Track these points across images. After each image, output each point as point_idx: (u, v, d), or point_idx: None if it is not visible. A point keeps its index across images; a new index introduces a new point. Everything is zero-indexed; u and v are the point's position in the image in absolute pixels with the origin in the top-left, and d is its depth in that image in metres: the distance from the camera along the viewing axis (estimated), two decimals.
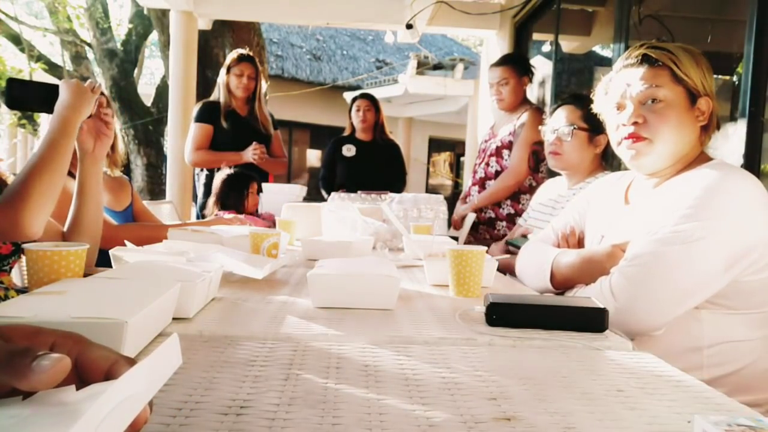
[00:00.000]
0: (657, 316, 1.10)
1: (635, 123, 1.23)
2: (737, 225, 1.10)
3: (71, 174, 1.62)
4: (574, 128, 1.91)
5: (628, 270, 1.13)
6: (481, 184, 2.93)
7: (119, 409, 0.34)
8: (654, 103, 1.22)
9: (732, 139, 2.30)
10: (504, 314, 0.93)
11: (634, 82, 1.24)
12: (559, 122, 1.96)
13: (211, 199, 2.81)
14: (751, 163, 2.24)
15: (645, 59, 1.24)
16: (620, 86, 1.27)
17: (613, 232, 1.32)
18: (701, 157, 1.26)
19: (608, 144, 1.86)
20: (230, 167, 2.89)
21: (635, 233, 1.19)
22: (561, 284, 1.34)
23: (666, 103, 1.21)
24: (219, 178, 2.82)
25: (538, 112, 2.81)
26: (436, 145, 13.48)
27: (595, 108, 1.38)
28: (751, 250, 1.10)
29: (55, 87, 1.35)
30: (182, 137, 4.51)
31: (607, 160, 2.00)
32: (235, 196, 2.76)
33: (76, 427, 0.31)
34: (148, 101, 7.68)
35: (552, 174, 2.19)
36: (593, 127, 1.89)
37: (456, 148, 13.06)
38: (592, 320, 0.91)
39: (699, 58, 1.24)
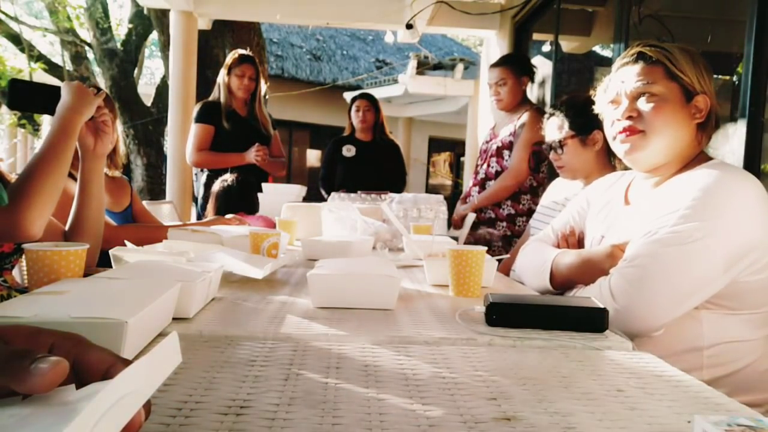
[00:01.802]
0: (656, 316, 1.10)
1: (629, 117, 1.25)
2: (736, 225, 1.09)
3: (72, 176, 1.62)
4: (561, 141, 1.94)
5: (627, 271, 1.13)
6: (482, 184, 2.93)
7: (117, 407, 0.34)
8: (648, 98, 1.23)
9: (732, 139, 2.30)
10: (504, 314, 0.92)
11: (629, 79, 1.26)
12: (550, 137, 1.99)
13: (210, 206, 2.80)
14: (751, 163, 2.24)
15: (640, 57, 1.26)
16: (616, 84, 1.29)
17: (613, 233, 1.32)
18: (701, 157, 1.26)
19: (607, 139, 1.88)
20: (233, 174, 2.86)
21: (635, 233, 1.19)
22: (561, 284, 1.34)
23: (660, 98, 1.22)
24: (218, 185, 2.80)
25: (539, 112, 2.81)
26: (436, 145, 13.48)
27: (597, 108, 1.38)
28: (750, 251, 1.09)
29: (57, 89, 1.36)
30: (182, 137, 4.51)
31: (614, 155, 2.00)
32: (235, 205, 2.75)
33: (72, 425, 0.31)
34: (148, 101, 7.68)
35: (556, 173, 2.20)
36: (581, 129, 1.90)
37: (456, 148, 13.06)
38: (592, 320, 0.91)
39: (696, 57, 1.24)
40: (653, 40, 1.28)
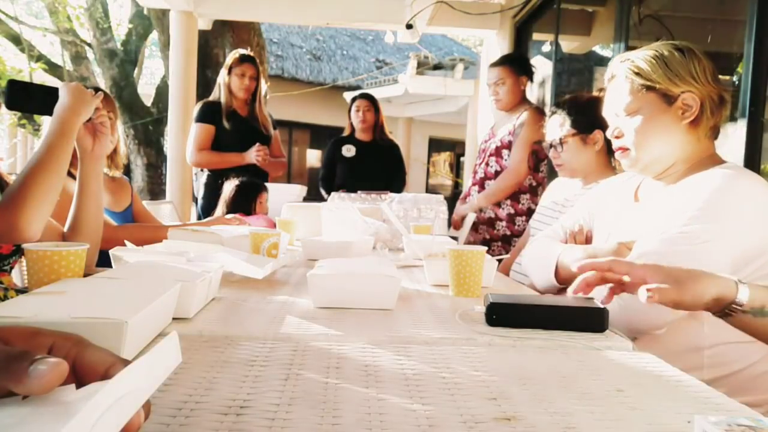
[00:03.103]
0: (659, 315, 1.10)
1: (616, 137, 1.31)
2: (745, 229, 1.10)
3: (71, 175, 1.62)
4: (561, 138, 1.94)
5: None
6: (481, 184, 2.92)
7: (116, 407, 0.34)
8: (625, 116, 1.28)
9: (732, 139, 2.30)
10: (504, 314, 0.92)
11: (607, 99, 1.33)
12: (551, 135, 1.99)
13: (221, 207, 2.87)
14: (751, 163, 2.24)
15: (614, 75, 1.31)
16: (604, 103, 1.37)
17: (619, 230, 1.33)
18: (712, 159, 1.25)
19: (607, 140, 1.88)
20: (238, 176, 2.94)
21: (642, 231, 1.20)
22: (565, 280, 1.34)
23: (636, 112, 1.26)
24: (229, 186, 2.89)
25: (538, 111, 2.81)
26: (436, 145, 13.48)
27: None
28: (758, 255, 1.10)
29: (55, 89, 1.35)
30: (182, 137, 4.51)
31: (614, 156, 2.00)
32: (245, 204, 2.85)
33: (71, 424, 0.31)
34: (148, 101, 7.68)
35: (556, 172, 2.20)
36: (582, 128, 1.90)
37: (456, 148, 13.06)
38: (592, 320, 0.91)
39: (670, 59, 1.22)
40: (655, 40, 1.29)
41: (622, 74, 1.27)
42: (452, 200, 3.23)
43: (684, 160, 1.25)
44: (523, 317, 0.92)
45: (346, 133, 3.70)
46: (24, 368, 0.36)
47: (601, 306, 0.93)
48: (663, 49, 1.24)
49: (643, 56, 1.25)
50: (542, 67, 4.38)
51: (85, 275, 0.96)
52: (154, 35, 7.68)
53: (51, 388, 0.37)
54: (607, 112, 1.34)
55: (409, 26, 5.06)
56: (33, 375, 0.36)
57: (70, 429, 0.31)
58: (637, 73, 1.24)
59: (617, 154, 1.33)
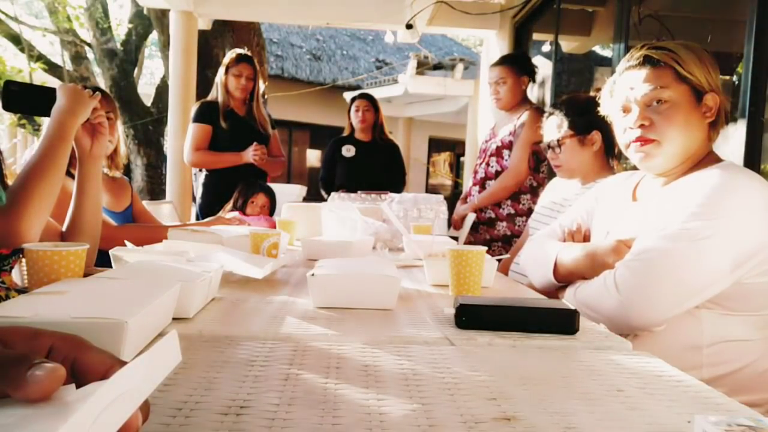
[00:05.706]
0: (660, 311, 1.11)
1: (642, 126, 1.23)
2: (745, 226, 1.10)
3: (71, 174, 1.62)
4: (559, 140, 1.93)
5: (634, 264, 1.13)
6: (482, 184, 2.92)
7: (114, 405, 0.34)
8: (659, 104, 1.21)
9: (732, 139, 2.30)
10: (474, 316, 0.90)
11: (637, 85, 1.23)
12: (549, 136, 1.99)
13: (230, 205, 2.94)
14: (751, 163, 2.24)
15: (647, 60, 1.23)
16: (624, 89, 1.27)
17: (618, 228, 1.33)
18: (711, 157, 1.25)
19: (605, 140, 1.88)
20: (236, 176, 2.99)
21: (641, 230, 1.20)
22: (564, 278, 1.34)
23: (671, 103, 1.20)
24: (241, 185, 3.01)
25: (539, 112, 2.80)
26: (436, 145, 13.48)
27: (602, 110, 1.38)
28: (757, 252, 1.10)
29: (52, 90, 1.35)
30: (182, 137, 4.50)
31: (612, 156, 2.00)
32: (238, 203, 2.93)
33: (69, 423, 0.30)
34: (148, 101, 7.68)
35: (555, 173, 2.20)
36: (579, 129, 1.90)
37: (456, 148, 13.06)
38: (564, 321, 0.90)
39: (702, 54, 1.22)
40: (654, 41, 1.28)
41: (660, 61, 1.20)
42: (452, 200, 3.23)
43: (690, 160, 1.25)
44: (494, 319, 0.90)
45: (345, 133, 3.70)
46: (22, 373, 0.36)
47: (572, 307, 0.91)
48: (692, 45, 1.22)
49: (683, 47, 1.21)
50: (542, 67, 4.37)
51: (85, 275, 0.96)
52: (154, 35, 7.68)
53: (49, 395, 0.37)
54: (627, 95, 1.25)
55: (409, 26, 5.07)
56: (31, 381, 0.36)
57: (68, 428, 0.30)
58: (677, 62, 1.20)
59: (635, 146, 1.24)
